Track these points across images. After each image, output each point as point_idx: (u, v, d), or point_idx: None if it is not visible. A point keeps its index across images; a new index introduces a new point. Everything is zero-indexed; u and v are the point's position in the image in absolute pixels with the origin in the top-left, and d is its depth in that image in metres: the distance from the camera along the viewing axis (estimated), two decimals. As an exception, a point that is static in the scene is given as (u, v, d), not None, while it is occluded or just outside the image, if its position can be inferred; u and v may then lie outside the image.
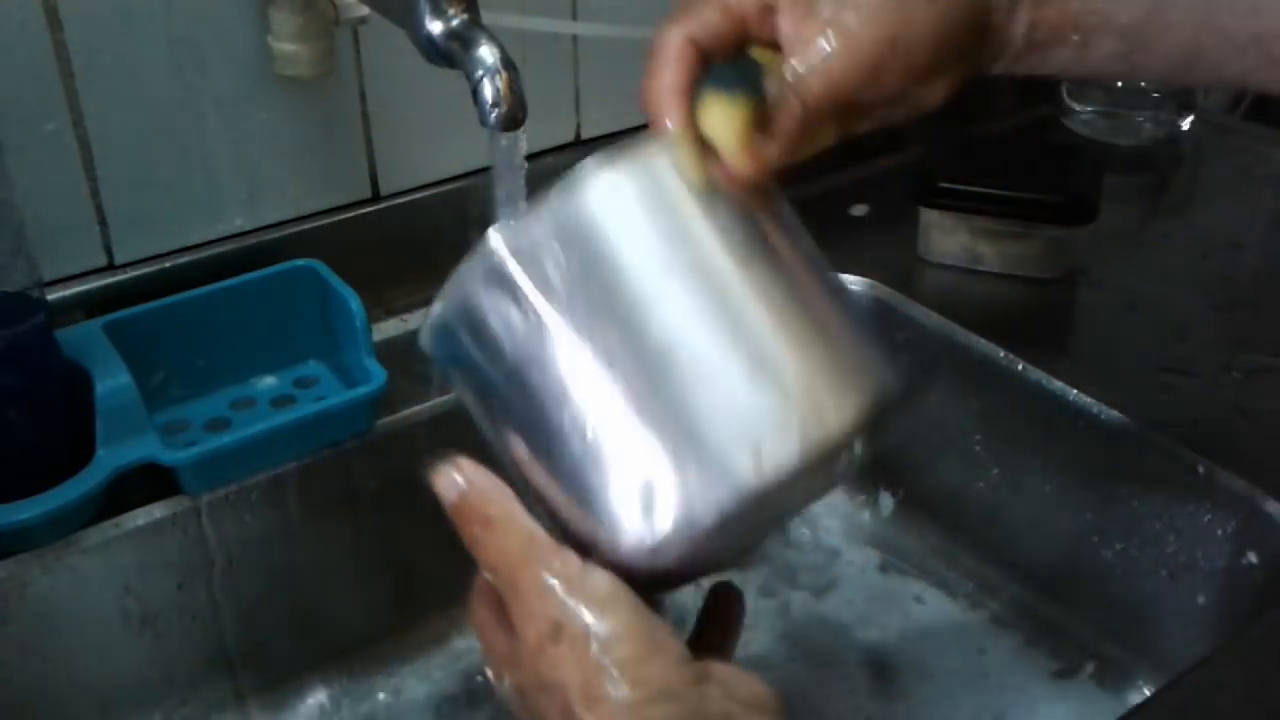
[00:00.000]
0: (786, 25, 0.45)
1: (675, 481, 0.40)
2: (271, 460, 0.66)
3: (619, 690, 0.39)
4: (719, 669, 0.42)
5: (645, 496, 0.40)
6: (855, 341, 0.44)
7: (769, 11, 0.46)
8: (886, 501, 0.84)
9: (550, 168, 0.83)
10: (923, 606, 0.78)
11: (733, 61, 0.46)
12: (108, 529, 0.63)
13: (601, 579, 0.41)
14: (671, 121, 0.44)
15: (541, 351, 0.42)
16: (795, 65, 0.44)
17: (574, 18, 0.84)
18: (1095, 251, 0.85)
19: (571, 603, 0.40)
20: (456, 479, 0.44)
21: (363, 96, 0.77)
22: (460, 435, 0.48)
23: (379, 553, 0.72)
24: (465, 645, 0.76)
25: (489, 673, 0.44)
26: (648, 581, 0.42)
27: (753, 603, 0.75)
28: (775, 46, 0.46)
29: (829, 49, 0.44)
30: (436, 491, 0.44)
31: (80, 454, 0.62)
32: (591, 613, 0.40)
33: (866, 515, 0.84)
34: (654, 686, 0.39)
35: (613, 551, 0.41)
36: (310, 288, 0.73)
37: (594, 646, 0.39)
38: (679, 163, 0.43)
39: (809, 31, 0.44)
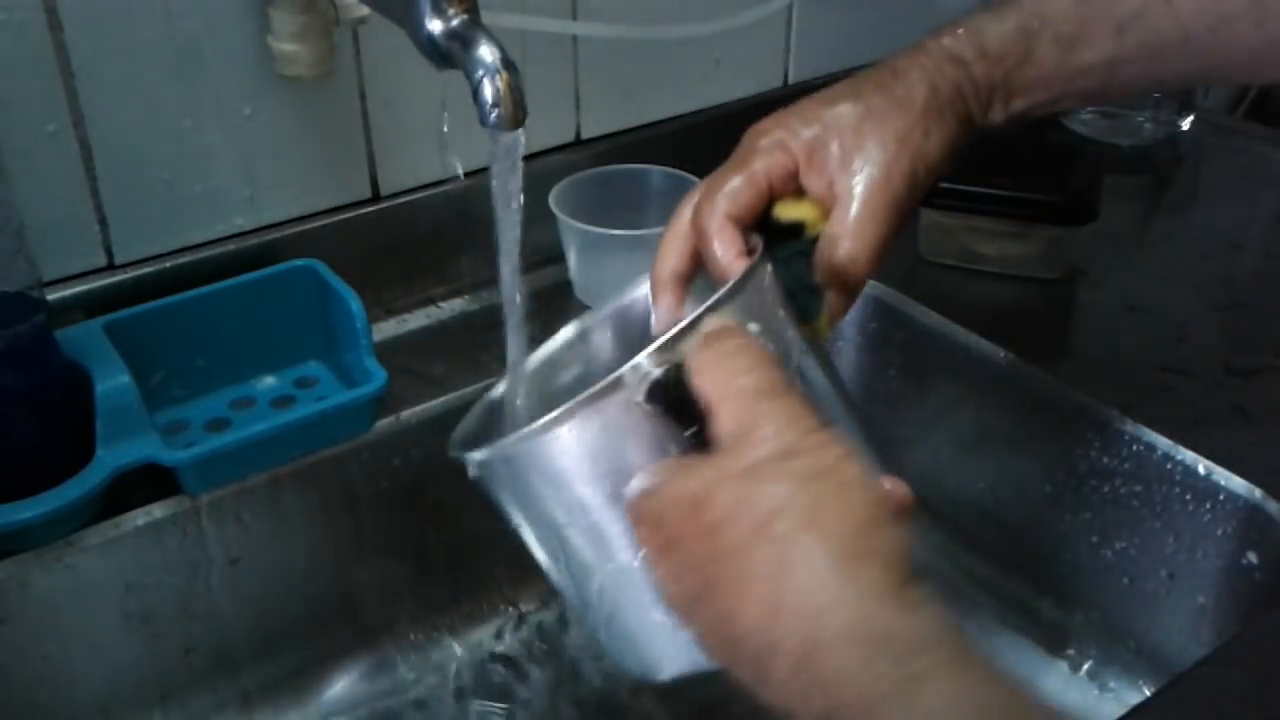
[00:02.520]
0: (822, 177, 0.52)
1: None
2: (271, 460, 0.66)
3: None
4: None
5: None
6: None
7: (794, 173, 0.52)
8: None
9: (550, 167, 0.84)
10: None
11: (760, 224, 0.52)
12: (108, 529, 0.63)
13: None
14: (664, 308, 0.52)
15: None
16: (837, 250, 0.51)
17: (574, 18, 0.84)
18: (1095, 251, 0.85)
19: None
20: None
21: (363, 96, 0.77)
22: (460, 435, 0.48)
23: (379, 552, 0.72)
24: (464, 644, 0.76)
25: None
26: None
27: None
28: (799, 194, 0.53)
29: (857, 215, 0.51)
30: None
31: (80, 454, 0.62)
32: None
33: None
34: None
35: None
36: (310, 288, 0.73)
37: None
38: None
39: (837, 195, 0.51)
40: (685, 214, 0.53)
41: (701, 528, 0.40)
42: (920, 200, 0.53)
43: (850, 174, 0.51)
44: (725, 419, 0.41)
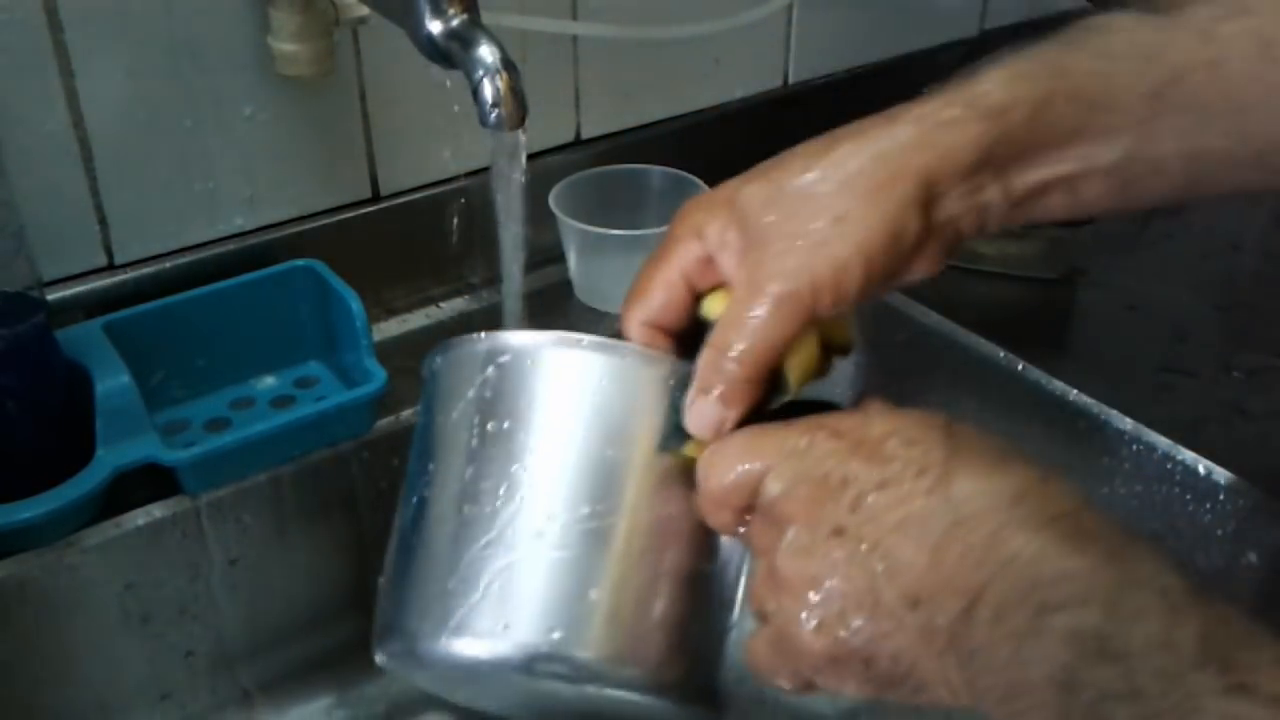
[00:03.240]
0: (728, 269, 0.45)
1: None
2: (271, 460, 0.66)
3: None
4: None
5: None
6: (683, 631, 0.44)
7: (710, 262, 0.46)
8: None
9: (550, 168, 0.84)
10: (923, 606, 0.78)
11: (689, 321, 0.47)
12: (108, 529, 0.63)
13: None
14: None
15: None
16: (729, 332, 0.43)
17: (574, 18, 0.84)
18: (1095, 251, 0.85)
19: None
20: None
21: (363, 96, 0.77)
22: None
23: (379, 553, 0.72)
24: (465, 645, 0.76)
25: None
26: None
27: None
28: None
29: (765, 305, 0.43)
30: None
31: (80, 454, 0.62)
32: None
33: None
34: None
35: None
36: (310, 288, 0.73)
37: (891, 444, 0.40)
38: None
39: (750, 278, 0.44)
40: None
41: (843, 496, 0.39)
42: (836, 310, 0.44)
43: (742, 266, 0.44)
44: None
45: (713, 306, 0.46)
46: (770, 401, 0.45)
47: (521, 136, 0.54)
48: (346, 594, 0.72)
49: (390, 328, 0.80)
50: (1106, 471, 0.71)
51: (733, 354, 0.43)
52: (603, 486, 0.43)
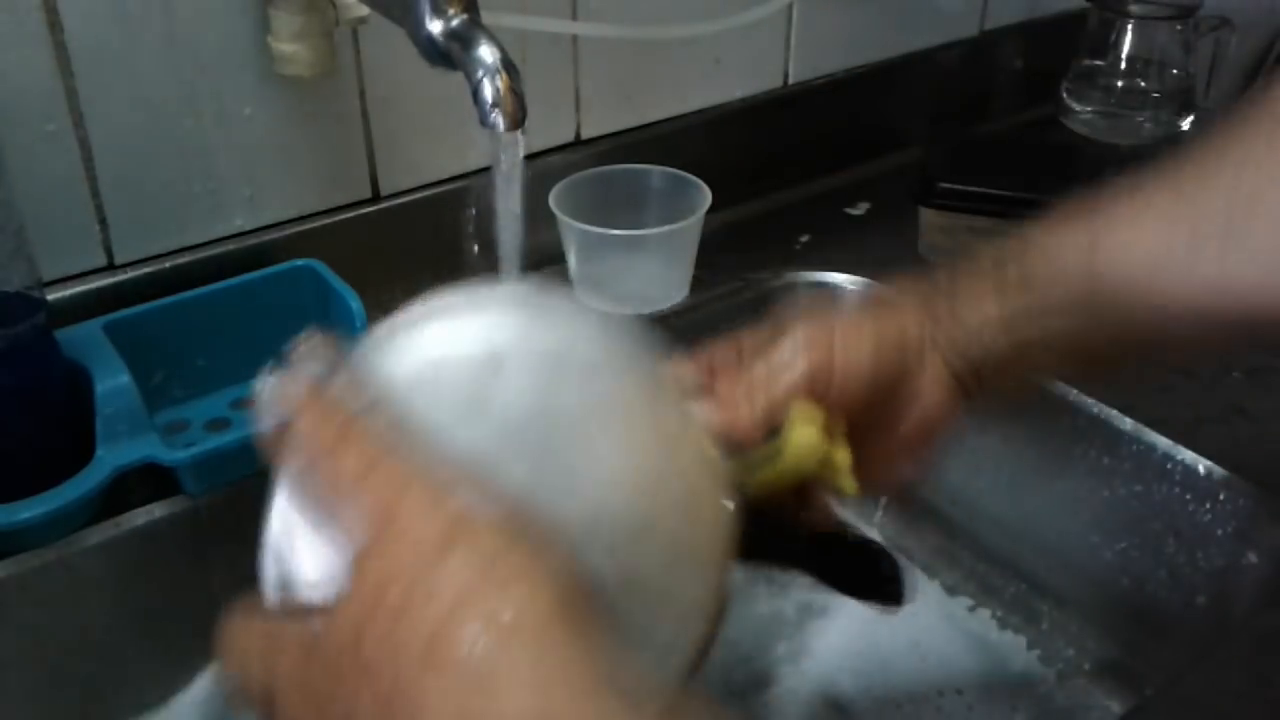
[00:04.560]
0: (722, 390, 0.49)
1: None
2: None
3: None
4: None
5: None
6: None
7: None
8: (886, 502, 0.84)
9: (550, 168, 0.84)
10: (922, 607, 0.78)
11: None
12: (108, 529, 0.63)
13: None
14: None
15: None
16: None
17: (574, 18, 0.84)
18: (1095, 251, 0.85)
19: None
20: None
21: (363, 96, 0.77)
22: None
23: (379, 553, 0.72)
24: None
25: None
26: None
27: (749, 605, 0.75)
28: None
29: (782, 340, 0.49)
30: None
31: (80, 454, 0.62)
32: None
33: (866, 515, 0.84)
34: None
35: None
36: (310, 288, 0.73)
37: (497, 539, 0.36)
38: None
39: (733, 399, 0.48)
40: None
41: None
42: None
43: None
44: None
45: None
46: (762, 467, 0.47)
47: (521, 136, 0.54)
48: (346, 594, 0.72)
49: (390, 328, 0.80)
50: (1106, 471, 0.71)
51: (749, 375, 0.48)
52: None
